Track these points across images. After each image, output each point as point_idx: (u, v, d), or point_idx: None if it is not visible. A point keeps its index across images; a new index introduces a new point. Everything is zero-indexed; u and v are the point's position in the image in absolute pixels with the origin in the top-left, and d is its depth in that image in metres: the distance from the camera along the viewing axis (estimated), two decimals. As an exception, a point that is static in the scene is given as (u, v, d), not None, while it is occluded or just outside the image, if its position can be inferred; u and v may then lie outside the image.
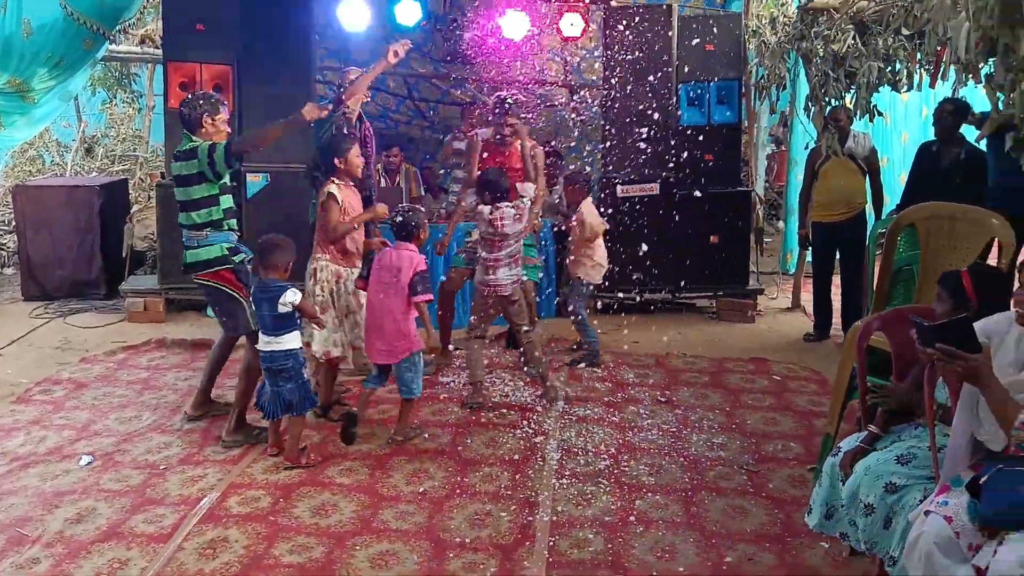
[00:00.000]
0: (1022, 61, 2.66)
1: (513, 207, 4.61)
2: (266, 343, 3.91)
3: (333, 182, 4.36)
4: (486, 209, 4.61)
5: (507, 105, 5.08)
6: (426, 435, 4.28)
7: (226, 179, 4.20)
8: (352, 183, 4.49)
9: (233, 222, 4.25)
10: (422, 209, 4.31)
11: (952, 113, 5.12)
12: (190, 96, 4.29)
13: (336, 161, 4.38)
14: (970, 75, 3.23)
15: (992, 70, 3.05)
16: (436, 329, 4.99)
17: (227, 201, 4.21)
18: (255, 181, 6.40)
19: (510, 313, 4.73)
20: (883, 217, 5.85)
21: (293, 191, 6.14)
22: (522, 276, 4.88)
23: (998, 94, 2.90)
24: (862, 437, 2.88)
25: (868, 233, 5.47)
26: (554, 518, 3.42)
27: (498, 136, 5.16)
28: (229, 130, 4.27)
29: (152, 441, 4.22)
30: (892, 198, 6.30)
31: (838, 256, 5.97)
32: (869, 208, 5.89)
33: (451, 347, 5.46)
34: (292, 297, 3.86)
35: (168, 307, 6.55)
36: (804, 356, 5.65)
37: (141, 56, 9.67)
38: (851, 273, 5.86)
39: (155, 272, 6.85)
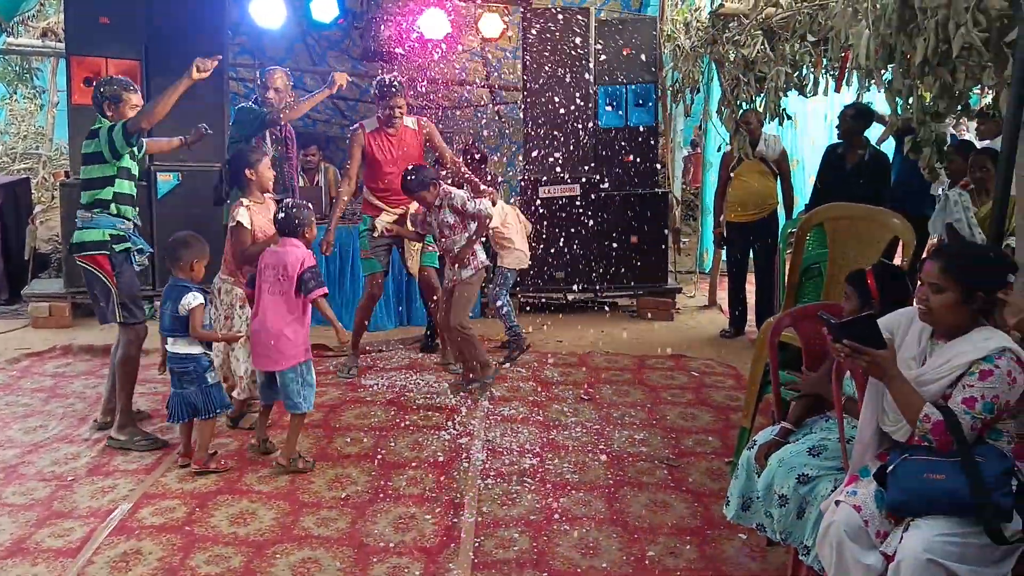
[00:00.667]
0: (919, 68, 2.80)
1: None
2: (170, 344, 3.80)
3: (243, 204, 4.16)
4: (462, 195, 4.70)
5: (394, 87, 4.96)
6: (348, 439, 4.22)
7: (129, 165, 4.11)
8: (264, 196, 4.30)
9: (128, 210, 4.14)
10: (308, 206, 4.03)
11: (854, 117, 5.34)
12: (96, 82, 4.24)
13: (247, 172, 4.19)
14: (871, 81, 3.38)
15: (891, 76, 3.19)
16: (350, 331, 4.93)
17: (123, 186, 4.10)
18: (166, 181, 6.22)
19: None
20: (794, 217, 6.07)
21: (205, 190, 5.96)
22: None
23: (896, 99, 3.04)
24: (776, 431, 2.97)
25: (779, 232, 5.65)
26: (479, 519, 3.42)
27: (387, 120, 5.01)
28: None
29: (59, 452, 4.03)
30: (802, 199, 6.54)
31: (752, 255, 6.16)
32: (781, 208, 6.10)
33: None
34: (191, 301, 3.74)
35: (75, 312, 6.29)
36: (721, 352, 5.80)
37: (42, 50, 9.24)
38: (764, 271, 6.05)
39: (60, 275, 6.57)
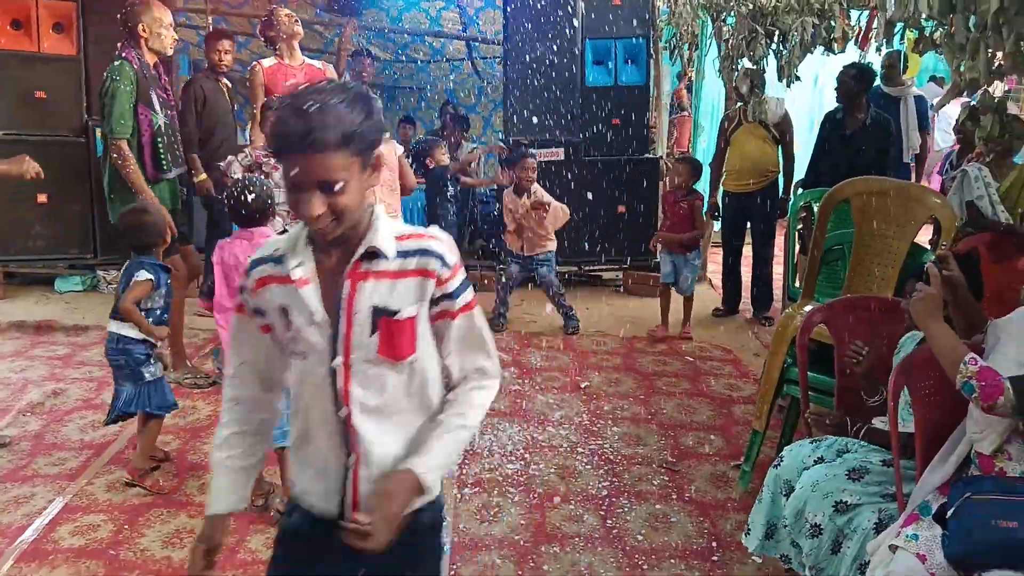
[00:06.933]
0: (994, 18, 2.31)
1: None
2: (111, 324, 3.25)
3: None
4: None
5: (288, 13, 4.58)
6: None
7: None
8: None
9: None
10: (269, 180, 3.19)
11: (855, 78, 4.85)
12: None
13: None
14: (902, 37, 2.89)
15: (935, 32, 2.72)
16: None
17: None
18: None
19: None
20: (792, 188, 5.61)
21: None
22: None
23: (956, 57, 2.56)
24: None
25: (790, 207, 5.18)
26: (455, 538, 2.96)
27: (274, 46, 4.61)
28: None
29: (-31, 452, 3.50)
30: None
31: (749, 228, 5.72)
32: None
33: None
34: (141, 276, 3.18)
35: (7, 281, 5.69)
36: (714, 332, 5.38)
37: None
38: (762, 246, 5.62)
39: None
